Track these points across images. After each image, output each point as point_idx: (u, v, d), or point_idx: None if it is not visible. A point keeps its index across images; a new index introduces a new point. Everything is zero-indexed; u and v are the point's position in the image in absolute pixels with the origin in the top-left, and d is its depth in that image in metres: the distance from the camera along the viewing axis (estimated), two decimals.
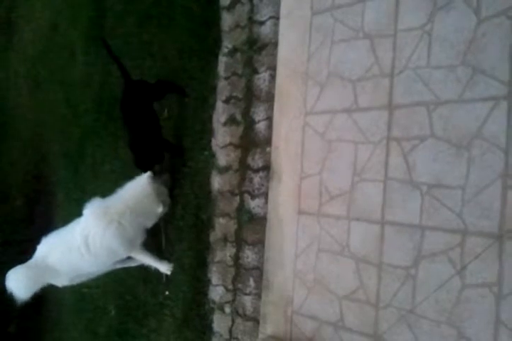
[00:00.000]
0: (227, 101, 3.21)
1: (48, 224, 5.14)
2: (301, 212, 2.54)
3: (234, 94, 3.16)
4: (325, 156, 2.44)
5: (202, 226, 3.30)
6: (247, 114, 3.07)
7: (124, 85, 3.38)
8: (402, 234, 2.11)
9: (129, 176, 4.01)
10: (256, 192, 2.95)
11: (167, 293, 3.54)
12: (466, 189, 1.94)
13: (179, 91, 3.54)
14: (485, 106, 1.93)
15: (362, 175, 2.29)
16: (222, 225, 3.17)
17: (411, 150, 2.13)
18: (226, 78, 3.24)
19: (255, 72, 3.02)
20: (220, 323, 3.13)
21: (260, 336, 2.65)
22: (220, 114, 3.26)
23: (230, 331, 3.05)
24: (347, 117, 2.37)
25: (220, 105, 3.27)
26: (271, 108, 2.87)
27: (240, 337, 2.98)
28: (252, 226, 2.97)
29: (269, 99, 2.89)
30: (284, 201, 2.63)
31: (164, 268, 3.47)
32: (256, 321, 2.86)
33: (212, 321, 3.18)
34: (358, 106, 2.34)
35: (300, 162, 2.56)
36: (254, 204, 2.95)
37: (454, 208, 1.97)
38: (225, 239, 3.14)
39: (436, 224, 2.01)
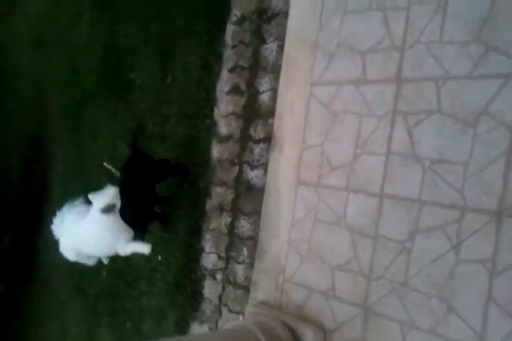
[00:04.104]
0: (232, 70, 3.17)
1: (44, 182, 5.15)
2: (300, 182, 2.53)
3: (240, 63, 3.13)
4: (328, 127, 2.43)
5: (199, 194, 3.29)
6: (251, 84, 3.04)
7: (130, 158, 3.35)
8: (400, 207, 2.11)
9: (127, 140, 4.02)
10: (255, 163, 2.94)
11: (159, 258, 3.56)
12: (469, 165, 1.93)
13: (183, 173, 3.49)
14: (495, 83, 1.91)
15: (364, 147, 2.27)
16: (220, 194, 3.17)
17: (416, 124, 2.11)
18: (233, 47, 3.20)
19: (263, 42, 2.97)
20: (210, 290, 3.15)
21: (250, 301, 2.67)
22: (225, 82, 3.22)
23: (220, 298, 3.07)
24: (354, 89, 2.35)
25: (224, 74, 3.23)
26: (276, 79, 2.83)
27: (229, 304, 3.00)
28: (249, 197, 2.97)
29: (275, 70, 2.85)
30: (284, 171, 2.62)
31: (144, 250, 3.43)
32: (246, 289, 2.88)
33: (203, 287, 3.21)
34: (365, 79, 2.31)
35: (303, 132, 2.54)
36: (253, 175, 2.95)
37: (454, 184, 1.96)
38: (221, 208, 3.14)
39: (436, 199, 2.01)
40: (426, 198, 2.04)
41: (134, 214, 3.22)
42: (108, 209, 3.19)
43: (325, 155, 2.43)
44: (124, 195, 3.18)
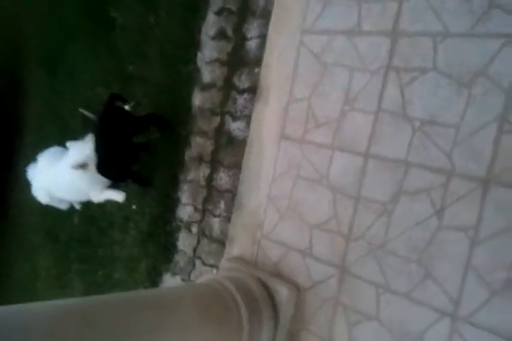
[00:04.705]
0: (219, 13, 2.99)
1: (19, 124, 4.98)
2: (283, 137, 2.43)
3: (227, 5, 2.94)
4: (317, 80, 2.30)
5: (178, 143, 3.18)
6: (239, 29, 2.87)
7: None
8: (385, 168, 2.04)
9: (106, 82, 3.85)
10: (238, 113, 2.82)
11: (134, 207, 3.48)
12: (460, 129, 1.85)
13: (161, 124, 3.33)
14: (495, 43, 1.80)
15: (354, 104, 2.16)
16: (199, 144, 3.06)
17: (409, 82, 2.00)
18: None
19: None
20: (185, 242, 3.11)
21: (225, 256, 2.63)
22: (210, 26, 3.04)
23: (195, 250, 3.03)
24: (347, 40, 2.21)
25: (211, 17, 3.05)
26: (265, 25, 2.67)
27: (203, 257, 2.97)
28: (229, 149, 2.87)
29: (265, 15, 2.69)
30: (268, 123, 2.51)
31: (118, 197, 3.37)
32: (221, 243, 2.84)
33: (177, 239, 3.16)
34: (360, 29, 2.17)
35: (290, 84, 2.41)
36: (235, 127, 2.84)
37: (444, 147, 1.88)
38: (200, 159, 3.04)
39: (423, 162, 1.93)
40: (413, 160, 1.96)
41: (111, 170, 3.14)
42: (79, 167, 3.10)
43: (311, 110, 2.32)
44: (99, 151, 3.07)
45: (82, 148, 3.18)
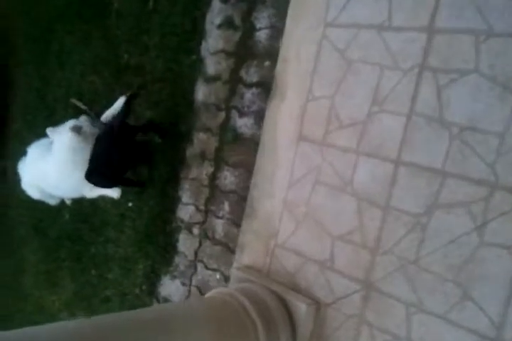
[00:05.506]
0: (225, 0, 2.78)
1: (6, 111, 4.73)
2: (302, 138, 2.25)
3: None
4: (342, 78, 2.12)
5: (179, 139, 2.98)
6: (247, 18, 2.67)
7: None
8: (418, 177, 1.87)
9: (99, 71, 3.62)
10: (246, 109, 2.64)
11: (130, 204, 3.28)
12: (505, 137, 1.70)
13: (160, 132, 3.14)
14: None
15: (383, 105, 1.99)
16: (202, 141, 2.87)
17: (447, 84, 1.84)
18: None
19: None
20: (185, 243, 2.92)
21: (235, 265, 2.45)
22: (216, 14, 2.83)
23: (196, 253, 2.85)
24: (376, 35, 2.03)
25: (216, 4, 2.84)
26: (277, 15, 2.49)
27: (205, 260, 2.80)
28: (235, 147, 2.69)
29: (275, 5, 2.50)
30: (284, 122, 2.32)
31: (113, 194, 3.19)
32: (225, 246, 2.68)
33: (177, 240, 2.97)
34: (391, 24, 1.99)
35: (310, 81, 2.23)
36: (242, 123, 2.65)
37: (486, 157, 1.73)
38: (202, 156, 2.85)
39: (462, 172, 1.77)
40: (450, 170, 1.80)
41: (101, 179, 2.98)
42: (77, 129, 2.92)
43: (334, 110, 2.14)
44: (93, 159, 2.91)
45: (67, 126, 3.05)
